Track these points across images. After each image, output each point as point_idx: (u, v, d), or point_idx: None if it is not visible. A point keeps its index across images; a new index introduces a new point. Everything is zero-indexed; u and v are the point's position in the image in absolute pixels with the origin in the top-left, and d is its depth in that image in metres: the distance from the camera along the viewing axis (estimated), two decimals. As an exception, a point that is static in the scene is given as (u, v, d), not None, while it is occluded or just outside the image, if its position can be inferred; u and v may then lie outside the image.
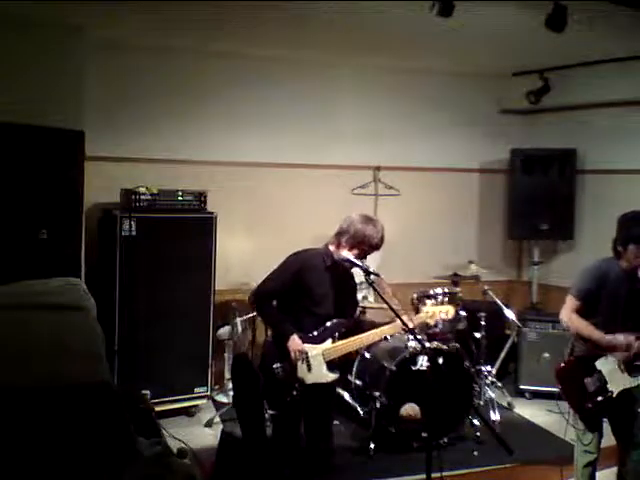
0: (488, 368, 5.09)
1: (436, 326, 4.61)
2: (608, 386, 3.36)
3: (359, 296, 4.52)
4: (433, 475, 2.96)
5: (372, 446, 4.24)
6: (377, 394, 4.25)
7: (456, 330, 4.82)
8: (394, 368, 4.26)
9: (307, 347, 3.37)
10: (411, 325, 3.45)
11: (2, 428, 1.56)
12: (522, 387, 5.48)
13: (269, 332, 3.71)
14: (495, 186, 6.47)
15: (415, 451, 4.14)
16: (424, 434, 4.10)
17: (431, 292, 4.64)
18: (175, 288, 4.70)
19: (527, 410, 5.21)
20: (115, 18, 4.41)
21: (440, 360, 4.31)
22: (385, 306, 3.32)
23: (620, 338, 3.34)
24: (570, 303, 3.51)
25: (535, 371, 5.37)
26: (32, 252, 4.03)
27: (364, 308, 4.96)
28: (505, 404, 5.20)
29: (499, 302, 5.05)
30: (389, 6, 3.94)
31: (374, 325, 3.87)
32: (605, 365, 3.40)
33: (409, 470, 3.98)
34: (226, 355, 5.37)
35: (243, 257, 5.48)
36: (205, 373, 4.92)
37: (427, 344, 4.29)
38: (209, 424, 4.79)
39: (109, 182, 4.85)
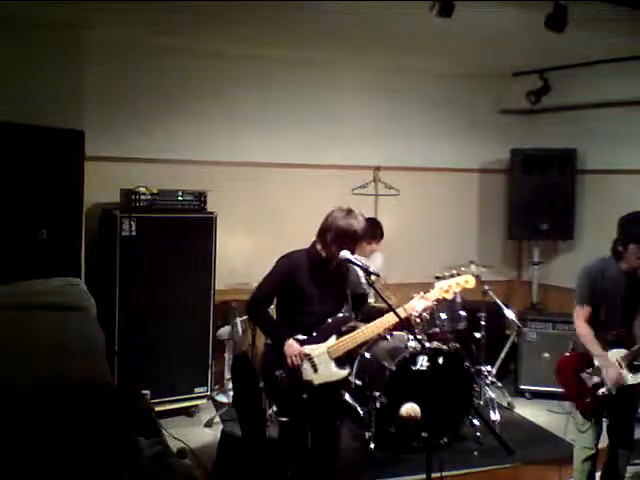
0: (488, 368, 5.08)
1: (436, 326, 4.63)
2: (606, 382, 3.40)
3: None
4: (433, 475, 2.96)
5: (372, 446, 4.24)
6: (377, 394, 4.25)
7: (456, 330, 4.81)
8: (394, 368, 4.26)
9: (308, 348, 3.32)
10: (424, 304, 3.41)
11: (2, 428, 1.56)
12: (522, 387, 5.48)
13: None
14: (495, 186, 6.47)
15: (415, 451, 4.13)
16: (424, 434, 4.10)
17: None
18: (175, 288, 4.70)
19: (527, 410, 5.21)
20: (115, 18, 4.41)
21: (440, 360, 4.30)
22: (385, 306, 3.30)
23: (609, 370, 3.39)
24: (579, 311, 3.55)
25: (535, 371, 5.37)
26: (32, 252, 4.03)
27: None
28: (505, 404, 5.20)
29: (499, 302, 5.05)
30: (389, 6, 3.94)
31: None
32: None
33: (409, 470, 3.99)
34: (226, 355, 5.37)
35: (243, 257, 5.48)
36: (205, 373, 4.92)
37: (427, 344, 4.29)
38: (209, 424, 4.79)
39: (109, 182, 4.85)
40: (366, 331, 3.41)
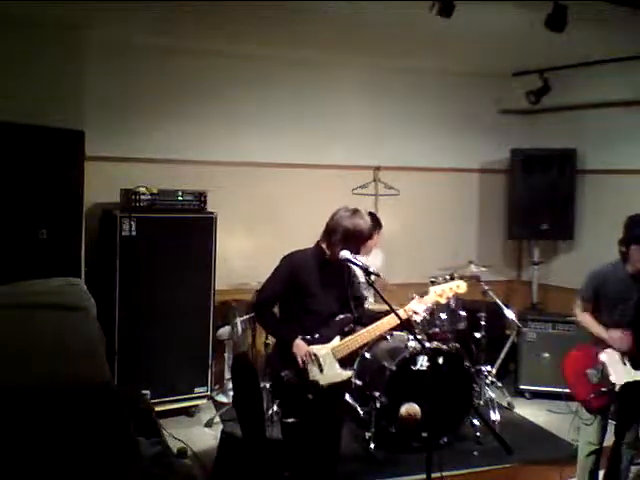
0: (488, 368, 5.08)
1: (436, 326, 4.64)
2: (611, 378, 3.46)
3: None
4: (433, 475, 2.96)
5: (372, 446, 4.24)
6: (377, 394, 4.25)
7: (456, 330, 4.82)
8: (394, 368, 4.26)
9: (314, 348, 3.30)
10: (422, 309, 3.43)
11: (2, 428, 1.56)
12: (522, 387, 5.48)
13: (271, 345, 3.64)
14: (495, 186, 6.48)
15: (415, 451, 4.13)
16: (424, 434, 4.10)
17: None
18: (175, 288, 4.70)
19: (527, 410, 5.20)
20: (115, 18, 4.42)
21: (440, 360, 4.30)
22: (385, 307, 3.30)
23: (611, 333, 3.52)
24: (579, 303, 3.75)
25: (535, 371, 5.38)
26: (32, 252, 4.04)
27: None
28: (505, 404, 5.20)
29: (499, 302, 5.05)
30: (389, 6, 3.95)
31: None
32: (608, 357, 3.50)
33: (409, 470, 3.99)
34: (226, 355, 5.36)
35: (243, 257, 5.48)
36: (205, 373, 4.92)
37: (427, 344, 4.29)
38: (209, 424, 4.78)
39: (109, 182, 4.85)
40: (369, 332, 3.40)
